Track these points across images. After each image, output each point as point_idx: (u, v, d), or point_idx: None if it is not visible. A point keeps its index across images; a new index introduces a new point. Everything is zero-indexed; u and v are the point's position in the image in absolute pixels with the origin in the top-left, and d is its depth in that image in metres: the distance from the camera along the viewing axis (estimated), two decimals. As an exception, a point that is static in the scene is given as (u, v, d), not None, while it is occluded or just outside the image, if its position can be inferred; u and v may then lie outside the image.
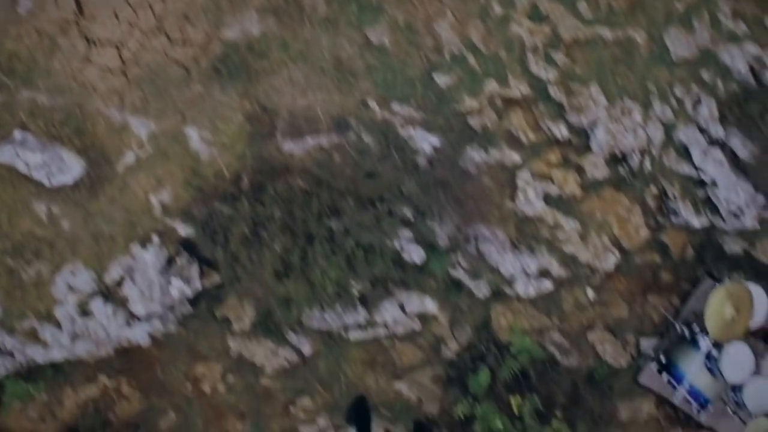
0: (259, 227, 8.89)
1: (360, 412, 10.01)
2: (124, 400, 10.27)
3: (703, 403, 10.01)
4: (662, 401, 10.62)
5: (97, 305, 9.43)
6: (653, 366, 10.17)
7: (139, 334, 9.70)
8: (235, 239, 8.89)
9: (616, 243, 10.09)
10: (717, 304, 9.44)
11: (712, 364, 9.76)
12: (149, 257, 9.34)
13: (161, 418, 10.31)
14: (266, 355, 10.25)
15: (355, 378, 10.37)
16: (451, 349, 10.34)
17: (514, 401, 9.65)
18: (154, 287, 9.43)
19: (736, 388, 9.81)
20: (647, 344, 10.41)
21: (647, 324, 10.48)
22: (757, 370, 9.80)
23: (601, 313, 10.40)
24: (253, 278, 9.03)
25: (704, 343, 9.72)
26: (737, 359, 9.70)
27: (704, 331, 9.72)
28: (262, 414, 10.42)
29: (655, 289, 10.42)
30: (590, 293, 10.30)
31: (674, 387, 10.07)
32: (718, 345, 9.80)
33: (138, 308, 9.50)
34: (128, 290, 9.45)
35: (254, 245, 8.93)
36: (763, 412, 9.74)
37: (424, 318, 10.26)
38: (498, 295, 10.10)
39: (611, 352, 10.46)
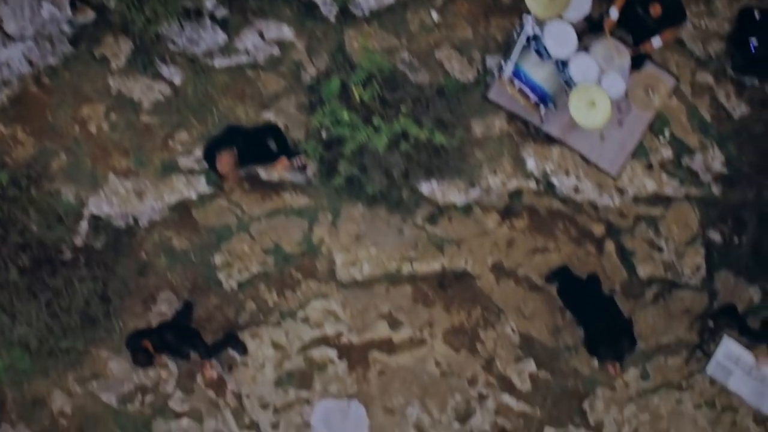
0: None
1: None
2: (20, 146, 10.32)
3: (542, 96, 9.72)
4: (513, 117, 10.33)
5: (-28, 27, 9.51)
6: (496, 71, 9.94)
7: (15, 56, 9.74)
8: None
9: (449, -44, 10.04)
10: (533, -20, 9.26)
11: (538, 45, 9.56)
12: (18, -23, 9.44)
13: (53, 159, 10.32)
14: (143, 90, 10.31)
15: (226, 110, 10.38)
16: (310, 74, 10.25)
17: (356, 89, 9.41)
18: (24, 7, 9.52)
19: (564, 65, 9.49)
20: (492, 61, 10.21)
21: (491, 44, 10.40)
22: (582, 47, 9.49)
23: (447, 35, 10.34)
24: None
25: (529, 26, 9.48)
26: (559, 36, 9.57)
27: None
28: (144, 149, 10.39)
29: (496, 11, 10.38)
30: (435, 15, 10.24)
31: (511, 80, 9.77)
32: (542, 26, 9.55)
33: (11, 27, 9.61)
34: (1, 11, 9.48)
35: None
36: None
37: (282, 45, 10.26)
38: (347, 15, 10.08)
39: (459, 68, 10.34)
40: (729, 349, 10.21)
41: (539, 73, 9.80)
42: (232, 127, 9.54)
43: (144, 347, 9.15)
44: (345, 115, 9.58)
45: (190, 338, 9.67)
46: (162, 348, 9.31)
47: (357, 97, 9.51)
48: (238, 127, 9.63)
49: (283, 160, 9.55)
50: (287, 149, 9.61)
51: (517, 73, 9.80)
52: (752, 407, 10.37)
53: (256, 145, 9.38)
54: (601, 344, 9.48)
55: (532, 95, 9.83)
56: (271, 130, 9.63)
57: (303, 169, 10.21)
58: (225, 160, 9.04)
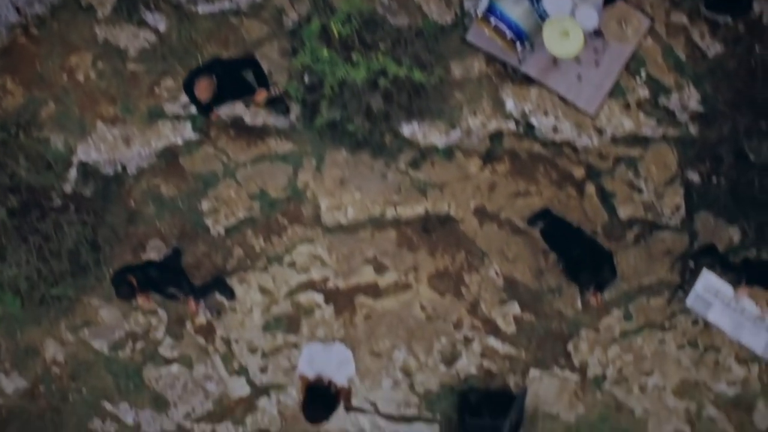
0: None
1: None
2: (9, 95, 10.44)
3: (518, 34, 9.77)
4: (491, 58, 10.37)
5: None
6: (474, 13, 9.99)
7: (3, 3, 9.81)
8: None
9: None
10: None
11: (513, -19, 9.60)
12: None
13: (42, 108, 10.41)
14: (128, 38, 10.39)
15: (210, 56, 10.49)
16: (292, 19, 10.31)
17: (335, 26, 9.45)
18: (9, -50, 9.62)
19: (538, 0, 9.54)
20: (470, 4, 10.29)
21: (469, -12, 10.38)
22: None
23: (425, -20, 10.34)
24: None
25: (504, -39, 9.57)
26: (533, -28, 9.52)
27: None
28: (131, 96, 10.45)
29: (472, -44, 10.36)
30: (412, -44, 10.28)
31: (486, 17, 9.81)
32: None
33: (-7, -32, 9.68)
34: (-16, -46, 9.65)
35: None
36: (564, 17, 9.47)
37: (265, -9, 10.31)
38: (325, -33, 10.15)
39: (437, 11, 10.41)
40: (709, 282, 10.17)
41: (515, 10, 9.85)
42: (212, 59, 9.59)
43: (128, 281, 9.13)
44: (324, 53, 9.62)
45: (175, 276, 9.65)
46: (146, 285, 9.28)
47: (336, 34, 9.54)
48: (218, 59, 9.66)
49: (263, 92, 9.57)
50: (266, 82, 9.63)
51: (492, 10, 9.84)
52: (731, 338, 10.28)
53: (234, 76, 9.41)
54: (582, 270, 9.43)
55: (508, 32, 9.88)
56: (250, 62, 9.66)
57: (286, 110, 10.23)
58: (203, 86, 9.07)
